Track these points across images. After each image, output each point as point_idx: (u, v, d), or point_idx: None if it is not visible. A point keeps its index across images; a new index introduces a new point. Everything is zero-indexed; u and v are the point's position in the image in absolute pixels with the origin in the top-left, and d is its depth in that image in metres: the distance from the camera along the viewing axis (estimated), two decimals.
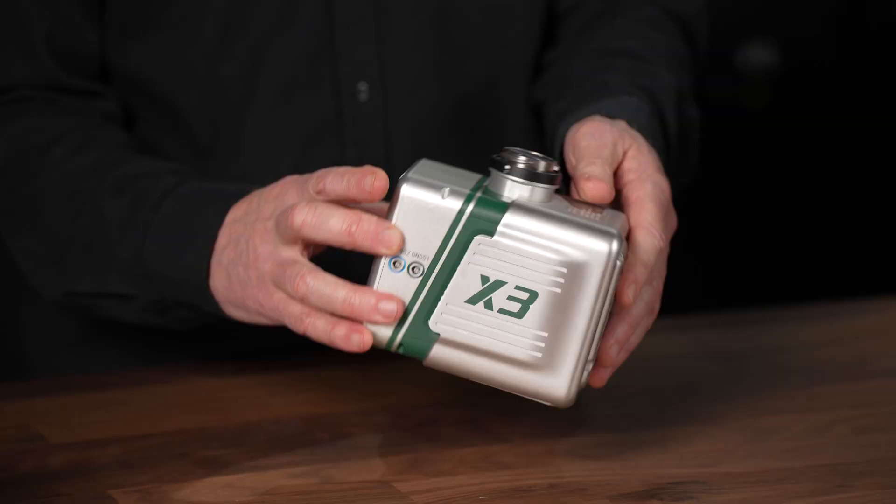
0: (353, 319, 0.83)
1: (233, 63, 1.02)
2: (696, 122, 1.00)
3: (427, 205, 0.81)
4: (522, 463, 0.88)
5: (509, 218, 0.81)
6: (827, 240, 2.12)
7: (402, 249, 0.82)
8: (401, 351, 0.83)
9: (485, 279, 0.81)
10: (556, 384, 0.82)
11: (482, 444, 0.90)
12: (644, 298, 0.86)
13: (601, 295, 0.81)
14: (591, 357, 0.84)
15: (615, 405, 0.96)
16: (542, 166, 0.82)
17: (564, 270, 0.81)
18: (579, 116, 0.90)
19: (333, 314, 0.84)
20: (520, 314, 0.81)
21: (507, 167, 0.82)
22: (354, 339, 0.83)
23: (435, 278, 0.82)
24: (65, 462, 0.89)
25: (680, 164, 0.98)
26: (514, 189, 0.82)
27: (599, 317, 0.82)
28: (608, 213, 0.84)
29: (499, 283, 0.81)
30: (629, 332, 0.85)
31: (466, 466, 0.88)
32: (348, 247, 0.83)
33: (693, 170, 1.01)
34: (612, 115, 0.90)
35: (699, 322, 1.12)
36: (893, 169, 2.11)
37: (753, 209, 2.09)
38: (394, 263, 0.82)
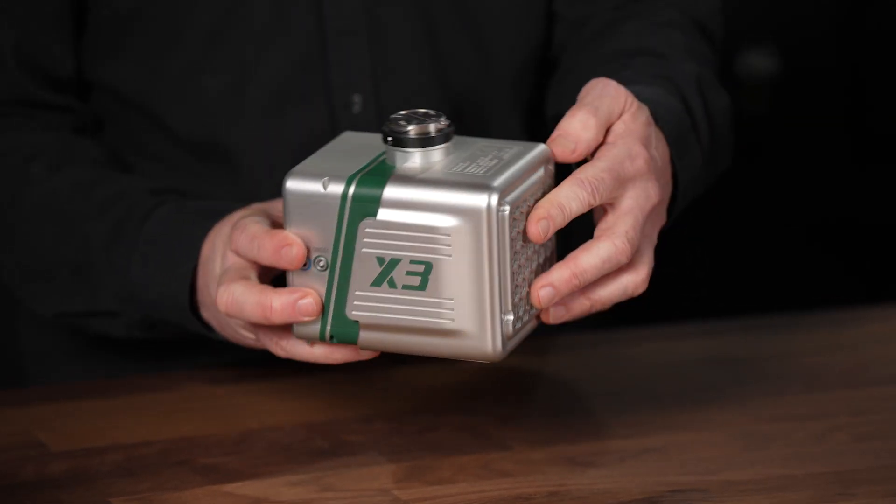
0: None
1: (217, 74, 1.02)
2: (726, 106, 0.97)
3: (312, 198, 0.81)
4: (523, 471, 0.88)
5: (388, 193, 0.80)
6: (827, 246, 2.12)
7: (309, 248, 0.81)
8: (335, 341, 0.83)
9: (381, 260, 0.81)
10: (480, 343, 0.81)
11: (482, 451, 0.90)
12: (601, 252, 0.82)
13: (494, 249, 0.80)
14: (519, 308, 0.82)
15: (615, 412, 0.96)
16: (417, 129, 0.81)
17: (448, 236, 0.80)
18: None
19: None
20: (422, 286, 0.81)
21: (390, 138, 0.81)
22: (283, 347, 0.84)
23: (340, 269, 0.81)
24: (65, 469, 0.89)
25: (713, 149, 0.95)
26: (405, 158, 0.81)
27: (503, 269, 0.81)
28: (515, 150, 0.82)
29: (394, 262, 0.81)
30: (570, 280, 0.81)
31: (467, 474, 0.88)
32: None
33: (729, 155, 0.98)
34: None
35: (699, 329, 1.12)
36: (894, 175, 2.11)
37: (753, 215, 2.09)
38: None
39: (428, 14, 1.04)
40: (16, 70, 1.01)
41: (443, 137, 0.81)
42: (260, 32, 1.02)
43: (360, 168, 0.82)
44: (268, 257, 0.82)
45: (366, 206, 0.80)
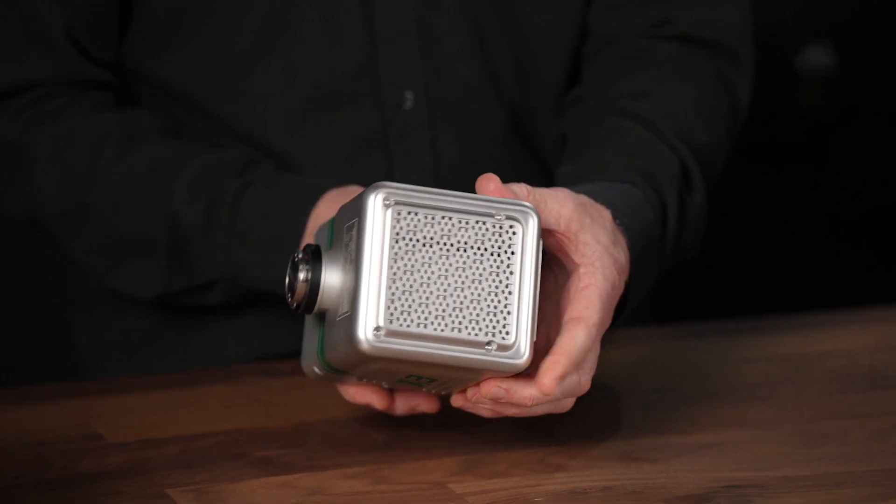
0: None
1: (266, 75, 1.02)
2: (700, 206, 0.98)
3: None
4: (577, 465, 0.88)
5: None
6: (887, 242, 2.10)
7: None
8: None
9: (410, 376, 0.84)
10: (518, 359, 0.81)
11: (537, 445, 0.90)
12: (564, 387, 0.83)
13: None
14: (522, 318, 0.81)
15: (670, 408, 0.96)
16: (297, 296, 0.83)
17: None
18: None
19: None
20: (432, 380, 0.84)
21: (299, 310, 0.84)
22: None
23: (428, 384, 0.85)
24: (123, 461, 0.89)
25: (677, 247, 0.96)
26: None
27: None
28: (359, 237, 0.81)
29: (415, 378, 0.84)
30: (530, 398, 0.82)
31: (521, 468, 0.87)
32: None
33: (694, 252, 0.99)
34: (595, 198, 0.88)
35: (757, 325, 1.11)
36: None
37: (812, 212, 2.08)
38: None
39: (476, 18, 1.04)
40: (69, 47, 1.02)
41: (309, 304, 0.83)
42: (310, 35, 1.02)
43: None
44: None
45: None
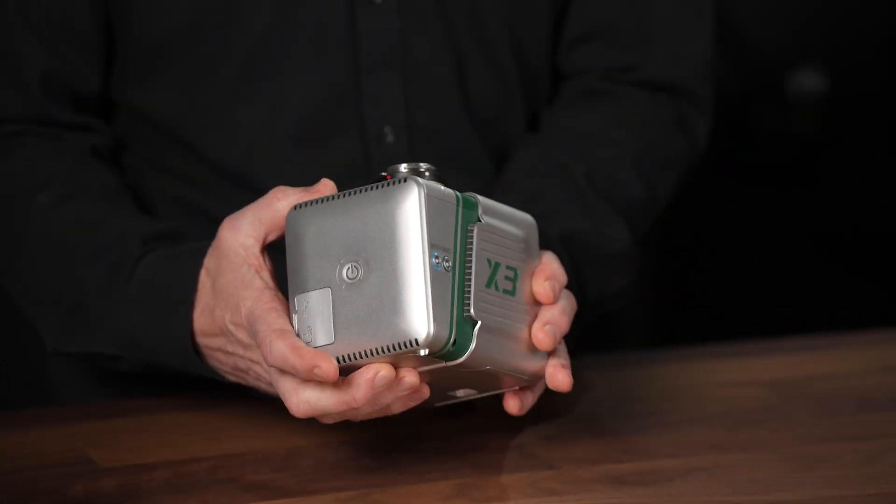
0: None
1: (252, 104, 1.02)
2: (612, 255, 1.03)
3: (440, 199, 0.85)
4: (570, 489, 0.88)
5: (482, 202, 0.86)
6: (878, 266, 2.10)
7: (433, 245, 0.83)
8: (455, 347, 0.83)
9: (490, 263, 0.86)
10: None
11: (529, 470, 0.90)
12: (565, 302, 0.90)
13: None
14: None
15: (662, 432, 0.96)
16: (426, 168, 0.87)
17: (523, 244, 0.88)
18: None
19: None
20: (513, 292, 0.86)
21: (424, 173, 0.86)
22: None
23: (459, 268, 0.85)
24: (114, 486, 0.89)
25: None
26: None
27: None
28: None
29: (497, 266, 0.86)
30: (561, 317, 0.88)
31: (514, 492, 0.87)
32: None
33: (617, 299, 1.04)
34: None
35: (747, 349, 1.12)
36: None
37: (803, 235, 2.08)
38: (435, 258, 0.84)
39: (456, 50, 1.04)
40: (38, 92, 1.01)
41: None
42: (296, 65, 1.02)
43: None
44: (302, 374, 0.84)
45: (471, 214, 0.86)
